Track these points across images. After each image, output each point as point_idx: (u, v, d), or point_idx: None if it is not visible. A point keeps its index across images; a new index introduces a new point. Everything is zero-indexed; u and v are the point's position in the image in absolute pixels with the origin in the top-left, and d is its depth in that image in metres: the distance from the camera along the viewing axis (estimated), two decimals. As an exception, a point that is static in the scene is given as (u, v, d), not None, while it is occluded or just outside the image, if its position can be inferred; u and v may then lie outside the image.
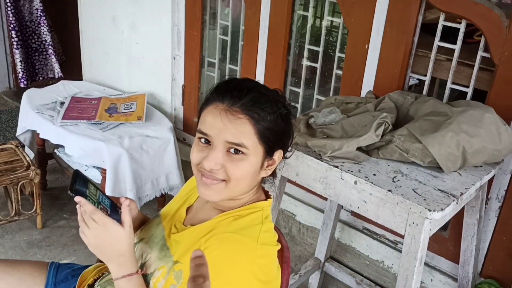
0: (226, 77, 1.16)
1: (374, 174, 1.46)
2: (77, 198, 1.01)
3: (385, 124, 1.53)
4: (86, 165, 2.51)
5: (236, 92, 1.04)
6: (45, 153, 2.83)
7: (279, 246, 1.13)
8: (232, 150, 1.03)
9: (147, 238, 1.20)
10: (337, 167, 1.49)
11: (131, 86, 2.93)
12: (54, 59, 3.70)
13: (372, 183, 1.42)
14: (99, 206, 1.05)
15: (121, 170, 2.33)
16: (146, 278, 1.11)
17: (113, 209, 1.10)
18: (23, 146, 2.74)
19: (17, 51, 3.48)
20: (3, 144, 2.65)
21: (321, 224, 2.17)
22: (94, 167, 2.47)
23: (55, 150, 2.71)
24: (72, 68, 3.56)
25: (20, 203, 2.46)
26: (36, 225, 2.57)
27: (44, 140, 2.72)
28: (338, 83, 2.17)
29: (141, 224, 1.29)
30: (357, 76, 2.02)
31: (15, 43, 3.48)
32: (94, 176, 2.51)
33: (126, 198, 1.13)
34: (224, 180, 1.05)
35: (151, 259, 1.14)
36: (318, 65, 2.21)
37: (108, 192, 2.30)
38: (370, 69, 1.98)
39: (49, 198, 2.81)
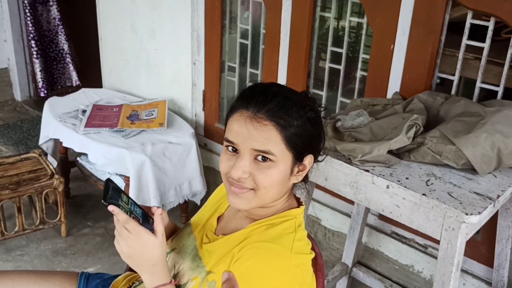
0: (251, 83, 1.11)
1: (407, 178, 1.43)
2: (111, 207, 1.00)
3: (416, 126, 1.49)
4: (109, 173, 2.50)
5: (261, 98, 1.01)
6: (68, 161, 2.84)
7: (313, 255, 1.10)
8: (259, 158, 1.01)
9: (179, 248, 1.18)
10: (368, 171, 1.45)
11: (151, 92, 2.92)
12: (71, 67, 3.73)
13: (405, 187, 1.38)
14: (131, 215, 1.04)
15: (144, 177, 2.32)
16: (179, 288, 1.09)
17: (144, 218, 1.08)
18: (46, 155, 2.75)
19: (36, 61, 3.51)
20: (26, 153, 2.67)
21: (348, 229, 2.13)
22: (117, 174, 2.47)
23: (78, 158, 2.71)
24: (91, 76, 3.58)
25: (44, 212, 2.46)
26: (61, 233, 2.57)
27: (66, 148, 2.72)
28: (362, 85, 2.13)
29: (172, 233, 1.27)
30: (382, 77, 1.98)
31: (34, 52, 3.51)
32: (118, 183, 2.51)
33: (158, 207, 1.11)
34: (252, 189, 1.03)
35: (183, 270, 1.12)
36: (341, 67, 2.18)
37: (132, 199, 2.30)
38: (396, 69, 1.94)
39: (73, 206, 2.81)
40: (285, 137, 1.01)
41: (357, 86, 2.16)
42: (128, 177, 2.33)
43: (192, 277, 1.08)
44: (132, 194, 2.30)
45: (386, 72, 1.97)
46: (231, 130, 1.03)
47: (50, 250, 2.48)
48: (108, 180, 1.05)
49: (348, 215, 2.24)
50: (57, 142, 2.72)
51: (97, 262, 2.41)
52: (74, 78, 3.75)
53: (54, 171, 2.51)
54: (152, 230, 1.05)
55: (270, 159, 1.01)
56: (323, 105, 1.15)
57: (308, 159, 1.07)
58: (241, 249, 1.02)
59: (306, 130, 1.03)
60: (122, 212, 1.01)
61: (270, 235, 1.03)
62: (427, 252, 2.05)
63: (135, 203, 1.09)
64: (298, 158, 1.05)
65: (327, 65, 2.22)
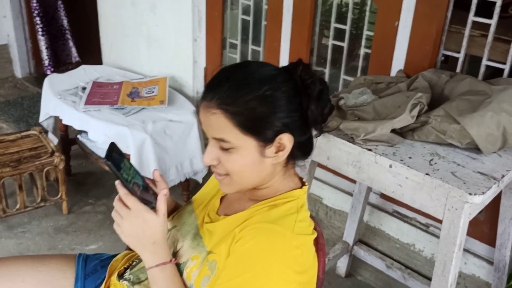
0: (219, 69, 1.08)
1: (410, 157, 1.41)
2: (117, 183, 0.99)
3: (420, 105, 1.47)
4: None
5: (214, 86, 1.01)
6: (68, 138, 2.82)
7: (315, 235, 1.09)
8: (223, 145, 1.01)
9: (180, 226, 1.17)
10: (370, 150, 1.43)
11: (152, 69, 2.89)
12: (71, 44, 3.66)
13: (408, 166, 1.36)
14: (132, 181, 1.03)
15: (145, 156, 2.30)
16: (179, 267, 1.08)
17: (145, 187, 1.07)
18: (46, 132, 2.74)
19: (42, 38, 3.44)
20: (27, 130, 2.65)
21: (350, 207, 2.12)
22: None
23: (78, 136, 2.69)
24: (91, 52, 3.53)
25: (45, 189, 2.46)
26: (62, 211, 2.57)
27: (66, 126, 2.71)
28: (366, 62, 2.10)
29: (173, 210, 1.26)
30: (386, 54, 1.95)
31: (40, 29, 3.44)
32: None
33: (161, 175, 1.12)
34: (227, 174, 1.04)
35: (183, 248, 1.11)
36: (344, 44, 2.14)
37: (133, 177, 2.29)
38: (401, 47, 1.90)
39: (74, 184, 2.81)
40: (237, 123, 0.99)
41: (360, 63, 2.12)
42: (129, 155, 2.31)
43: (192, 256, 1.07)
44: (133, 172, 2.29)
45: (390, 50, 1.93)
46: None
47: (52, 227, 2.49)
48: (113, 143, 1.04)
49: (350, 194, 2.23)
50: (57, 119, 2.70)
51: (99, 239, 2.42)
52: (74, 54, 3.69)
53: (54, 148, 2.49)
54: (152, 202, 1.05)
55: (231, 146, 1.01)
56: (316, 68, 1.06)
57: (286, 138, 1.01)
58: (242, 230, 1.01)
59: (263, 111, 0.98)
60: (123, 187, 1.01)
61: (272, 216, 1.02)
62: (429, 231, 2.05)
63: (137, 171, 1.08)
64: (265, 140, 1.01)
65: (330, 42, 2.18)
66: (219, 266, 1.02)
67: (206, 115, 1.01)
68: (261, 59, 2.47)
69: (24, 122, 3.45)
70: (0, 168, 2.30)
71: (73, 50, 3.69)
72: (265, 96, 0.98)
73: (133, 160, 2.28)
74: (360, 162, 1.47)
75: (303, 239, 1.01)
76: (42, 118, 2.74)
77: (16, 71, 4.08)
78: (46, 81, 2.73)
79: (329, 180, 2.32)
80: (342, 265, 2.28)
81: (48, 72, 3.59)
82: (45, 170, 2.41)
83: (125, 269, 1.26)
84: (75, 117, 2.44)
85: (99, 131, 2.35)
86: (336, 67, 2.24)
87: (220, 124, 1.00)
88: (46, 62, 3.53)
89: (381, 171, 1.43)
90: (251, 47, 2.51)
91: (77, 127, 2.46)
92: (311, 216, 1.14)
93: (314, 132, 1.08)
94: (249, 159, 1.01)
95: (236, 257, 0.98)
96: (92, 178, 2.89)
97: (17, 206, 2.40)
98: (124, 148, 2.34)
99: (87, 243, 2.39)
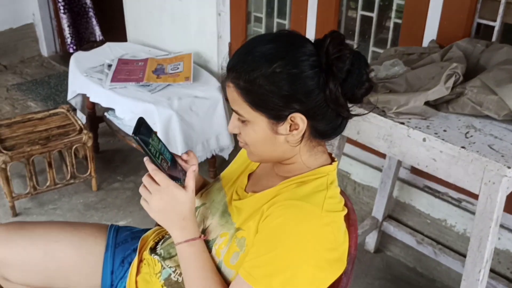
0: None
1: (445, 130, 1.36)
2: (145, 159, 0.99)
3: (455, 76, 1.41)
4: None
5: (232, 58, 0.99)
6: (96, 116, 2.84)
7: (345, 211, 1.06)
8: (239, 117, 1.01)
9: (209, 203, 1.16)
10: (403, 123, 1.39)
11: (176, 46, 2.86)
12: (94, 22, 3.65)
13: (443, 139, 1.32)
14: (160, 156, 1.02)
15: (171, 132, 2.30)
16: (208, 244, 1.08)
17: (173, 163, 1.06)
18: (74, 110, 2.76)
19: (64, 16, 3.44)
20: (55, 108, 2.67)
21: (379, 183, 2.08)
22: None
23: (105, 113, 2.71)
24: (116, 30, 3.52)
25: (75, 167, 2.49)
26: (92, 187, 2.61)
27: (94, 104, 2.72)
28: (396, 33, 2.03)
29: (201, 187, 1.25)
30: (418, 24, 1.88)
31: (62, 7, 3.44)
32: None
33: (190, 152, 1.12)
34: (246, 144, 1.04)
35: (212, 225, 1.10)
36: (373, 15, 2.07)
37: (160, 154, 2.29)
38: (433, 16, 1.83)
39: (102, 161, 2.84)
40: (246, 99, 0.97)
41: (390, 35, 2.06)
42: (156, 132, 2.31)
43: (221, 233, 1.06)
44: (160, 148, 2.29)
45: (422, 19, 1.86)
46: None
47: (82, 204, 2.53)
48: (141, 118, 1.03)
49: (379, 169, 2.19)
50: (85, 97, 2.72)
51: (128, 215, 2.44)
52: (97, 33, 3.68)
53: (82, 126, 2.51)
54: (180, 178, 1.04)
55: (245, 119, 1.00)
56: (343, 48, 0.95)
57: (298, 118, 0.96)
58: (271, 207, 0.99)
59: (271, 89, 0.94)
60: (151, 163, 1.00)
61: (301, 193, 0.99)
62: (461, 206, 2.00)
63: (165, 147, 1.07)
64: (275, 118, 0.97)
65: (359, 12, 2.12)
66: (247, 243, 1.01)
67: (226, 86, 1.01)
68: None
69: (52, 100, 3.49)
70: (30, 146, 2.33)
71: (97, 28, 3.67)
72: (274, 74, 0.94)
73: (159, 137, 2.28)
74: (392, 136, 1.43)
75: (333, 216, 0.99)
76: (70, 96, 2.76)
77: (42, 50, 4.12)
78: (72, 59, 2.74)
79: (357, 156, 2.28)
80: (371, 241, 2.25)
81: (71, 50, 3.61)
82: (74, 147, 2.44)
83: (156, 243, 1.27)
84: (101, 94, 2.44)
85: (125, 108, 2.35)
86: (365, 39, 2.17)
87: (233, 97, 0.99)
88: (69, 40, 3.54)
89: (414, 145, 1.39)
90: (276, 20, 2.46)
91: (104, 104, 2.46)
92: (342, 192, 1.12)
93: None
94: (261, 135, 1.00)
95: (265, 234, 0.97)
96: (120, 155, 2.91)
97: (47, 184, 2.44)
98: (150, 125, 2.34)
99: (116, 219, 2.42)
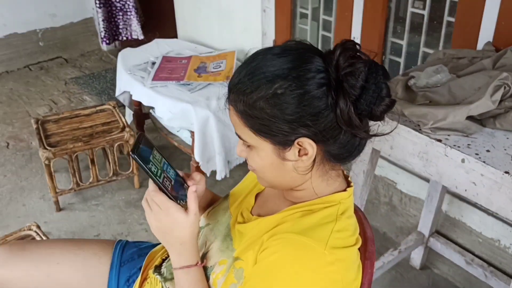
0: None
1: (488, 150, 1.19)
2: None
3: (504, 87, 1.23)
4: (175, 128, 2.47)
5: (232, 78, 0.89)
6: (142, 113, 2.85)
7: (359, 244, 0.94)
8: (243, 142, 0.93)
9: (213, 224, 1.09)
10: (440, 141, 1.23)
11: (222, 42, 2.80)
12: (136, 21, 3.63)
13: (484, 162, 1.15)
14: (163, 174, 0.95)
15: (209, 133, 2.24)
16: (206, 270, 1.01)
17: (177, 182, 0.99)
18: (122, 106, 2.77)
19: (99, 10, 3.47)
20: (102, 105, 2.70)
21: (426, 195, 1.92)
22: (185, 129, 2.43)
23: (150, 111, 2.71)
24: (169, 26, 3.51)
25: (117, 164, 2.50)
26: (134, 185, 2.62)
27: (139, 101, 2.72)
28: (449, 32, 1.83)
29: (209, 204, 1.17)
30: (472, 24, 1.68)
31: (97, 2, 3.47)
32: (186, 137, 2.48)
33: (197, 173, 1.04)
34: (255, 170, 0.96)
35: (213, 250, 1.03)
36: (425, 12, 1.89)
37: (196, 156, 2.25)
38: (490, 14, 1.62)
39: (147, 157, 2.84)
40: (248, 124, 0.87)
41: (443, 34, 1.86)
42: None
43: (220, 260, 0.99)
44: (197, 150, 2.25)
45: (477, 18, 1.66)
46: None
47: (124, 201, 2.54)
48: (141, 133, 0.98)
49: (427, 180, 2.02)
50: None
51: (166, 215, 2.43)
52: (137, 32, 3.64)
53: (125, 123, 2.52)
54: (184, 197, 0.97)
55: (249, 144, 0.91)
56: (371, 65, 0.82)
57: (306, 143, 0.86)
58: (270, 237, 0.90)
59: (273, 113, 0.83)
60: (153, 183, 0.94)
61: (304, 225, 0.89)
62: (518, 227, 1.79)
63: (169, 163, 1.01)
64: (281, 143, 0.86)
65: (409, 9, 1.94)
66: (245, 275, 0.92)
67: (227, 108, 0.91)
68: (332, 30, 2.27)
69: (106, 94, 3.55)
70: (73, 143, 2.36)
71: (138, 28, 3.62)
72: (275, 95, 0.83)
73: (196, 138, 2.24)
74: (428, 154, 1.28)
75: (339, 253, 0.87)
76: (118, 92, 2.78)
77: (101, 44, 4.21)
78: (119, 56, 2.75)
79: (404, 164, 2.11)
80: (417, 257, 2.09)
81: (104, 44, 3.64)
82: (116, 145, 2.45)
83: (163, 260, 1.21)
84: (143, 93, 2.43)
85: (164, 108, 2.32)
86: (415, 38, 1.99)
87: (234, 121, 0.90)
88: (102, 34, 3.57)
89: (452, 165, 1.23)
90: (322, 17, 2.32)
91: (145, 102, 2.45)
92: (362, 218, 1.00)
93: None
94: (267, 161, 0.90)
95: (261, 270, 0.88)
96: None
97: (90, 180, 2.47)
98: (188, 125, 2.31)
99: (154, 219, 2.41)
